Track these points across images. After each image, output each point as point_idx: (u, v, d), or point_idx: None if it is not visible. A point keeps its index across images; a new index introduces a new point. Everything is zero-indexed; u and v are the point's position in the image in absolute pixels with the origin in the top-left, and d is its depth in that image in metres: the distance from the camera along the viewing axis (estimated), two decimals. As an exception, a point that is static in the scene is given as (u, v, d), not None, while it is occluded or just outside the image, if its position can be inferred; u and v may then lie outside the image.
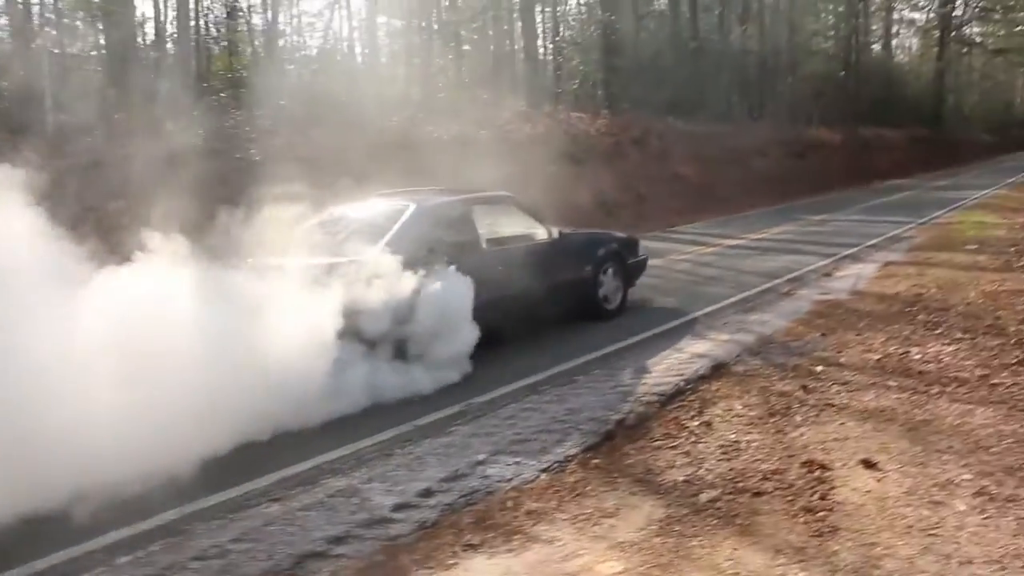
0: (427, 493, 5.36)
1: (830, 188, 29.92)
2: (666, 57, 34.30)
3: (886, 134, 46.41)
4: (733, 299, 10.89)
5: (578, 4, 39.67)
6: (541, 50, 34.93)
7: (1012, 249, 13.51)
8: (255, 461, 5.84)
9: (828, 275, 12.42)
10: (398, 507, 5.17)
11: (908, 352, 7.78)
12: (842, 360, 7.68)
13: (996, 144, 57.91)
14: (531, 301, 8.90)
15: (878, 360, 7.60)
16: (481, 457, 5.90)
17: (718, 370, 7.62)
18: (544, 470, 5.68)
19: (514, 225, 9.53)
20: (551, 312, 9.49)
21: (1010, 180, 30.55)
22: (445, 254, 8.01)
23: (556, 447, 6.04)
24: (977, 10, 59.52)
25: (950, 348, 7.79)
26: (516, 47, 34.57)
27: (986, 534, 4.37)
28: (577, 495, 5.30)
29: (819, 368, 7.47)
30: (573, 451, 5.97)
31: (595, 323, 9.73)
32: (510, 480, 5.54)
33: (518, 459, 5.86)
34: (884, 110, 48.38)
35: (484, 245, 8.77)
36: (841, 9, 48.42)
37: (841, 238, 16.51)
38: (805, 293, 11.05)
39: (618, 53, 31.30)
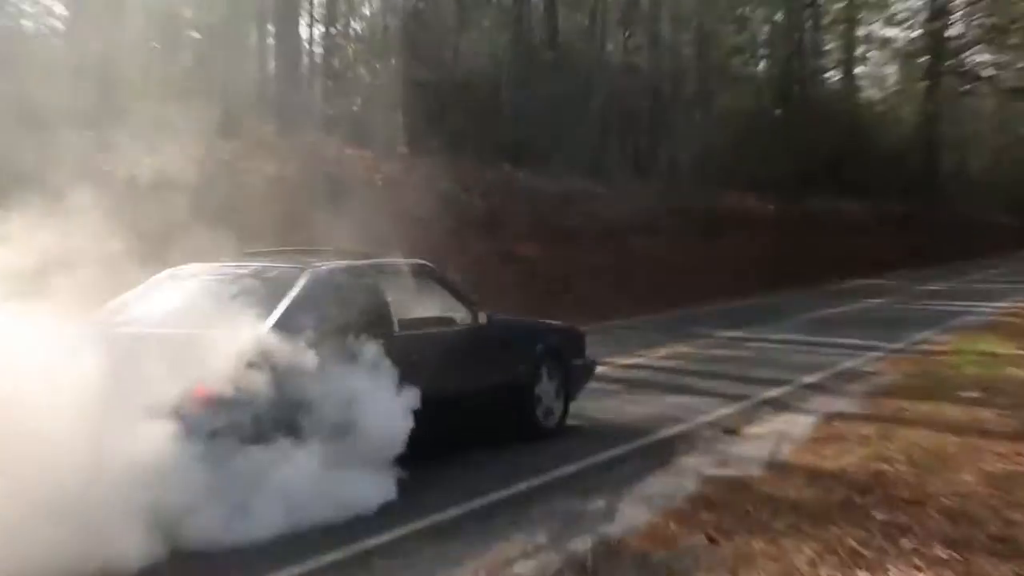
0: None
1: (755, 289, 30.60)
2: (503, 72, 34.55)
3: (847, 208, 48.68)
4: (566, 470, 10.78)
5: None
6: (308, 49, 34.52)
7: None
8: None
9: (733, 432, 12.56)
10: None
11: None
12: None
13: (1021, 228, 61.53)
14: (451, 409, 10.59)
15: None
16: None
17: None
18: None
19: (432, 303, 11.37)
20: (472, 426, 11.47)
21: None
22: (349, 337, 9.53)
23: None
24: (982, 29, 62.77)
25: None
26: (268, 40, 33.78)
27: None
28: None
29: None
30: None
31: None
32: None
33: None
34: (846, 171, 50.77)
35: (396, 328, 10.38)
36: (778, 17, 50.66)
37: (763, 370, 16.79)
38: (691, 464, 11.07)
39: (427, 62, 31.30)
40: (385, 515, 8.91)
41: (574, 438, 12.22)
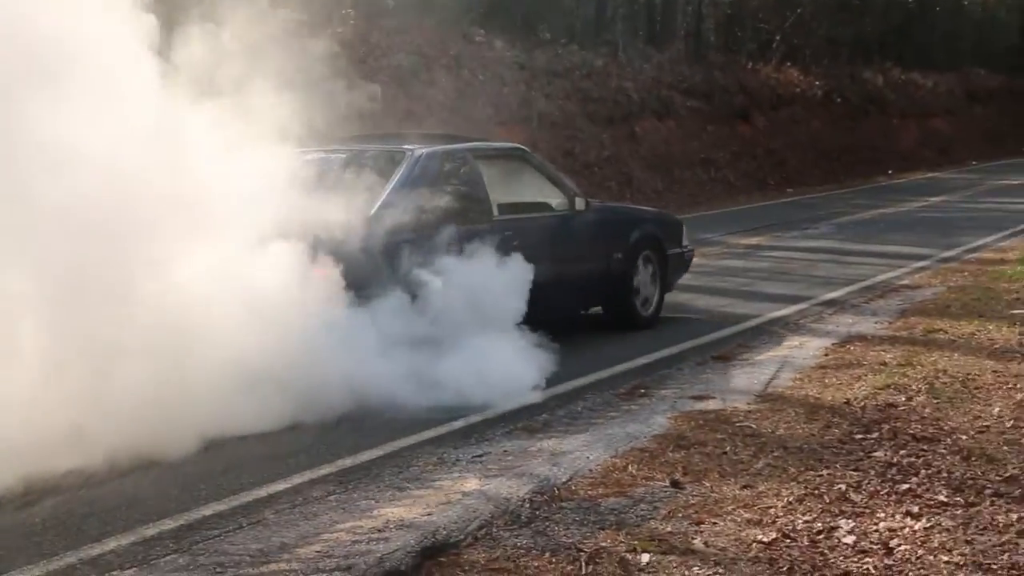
0: None
1: (790, 184, 30.77)
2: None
3: (918, 81, 48.67)
4: (509, 406, 11.21)
5: None
6: None
7: None
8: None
9: (724, 359, 12.89)
10: None
11: (834, 529, 7.76)
12: (696, 542, 7.69)
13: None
14: (549, 292, 12.69)
15: (768, 545, 7.61)
16: None
17: (430, 557, 7.48)
18: None
19: (530, 189, 14.01)
20: (569, 310, 14.17)
21: None
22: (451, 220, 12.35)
23: None
24: None
25: (919, 525, 7.78)
26: None
27: None
28: None
29: (645, 558, 7.45)
30: None
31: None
32: None
33: None
34: (918, 34, 50.74)
35: (496, 212, 13.05)
36: None
37: (778, 284, 17.21)
38: (667, 396, 11.36)
39: None
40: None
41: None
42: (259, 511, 8.49)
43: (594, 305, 14.33)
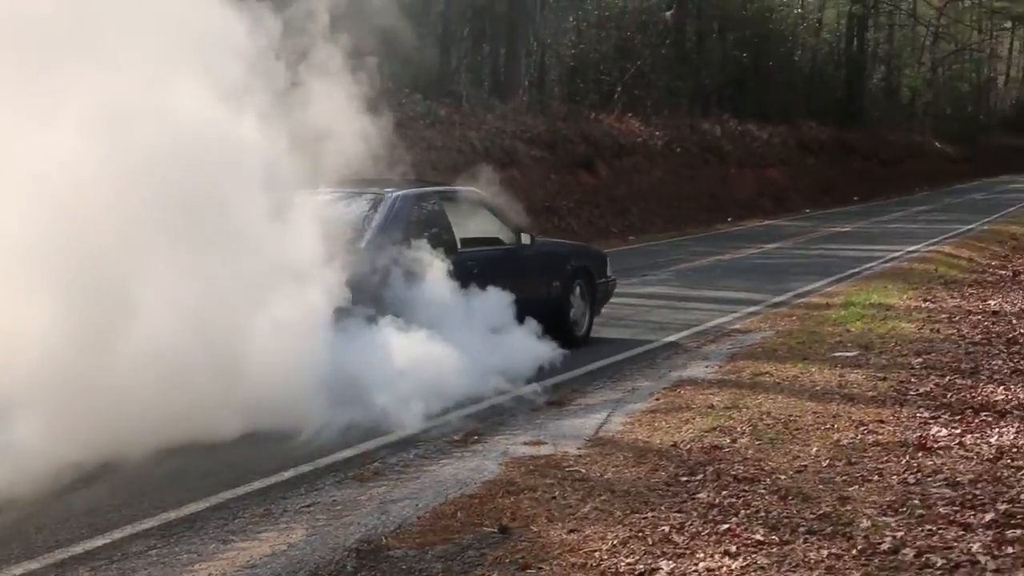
0: None
1: (628, 232, 31.05)
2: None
3: (754, 132, 49.53)
4: (343, 455, 11.24)
5: None
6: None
7: (916, 362, 14.48)
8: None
9: (558, 404, 13.01)
10: None
11: (656, 570, 7.82)
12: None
13: (960, 159, 63.23)
14: None
15: None
16: None
17: None
18: None
19: (484, 226, 16.23)
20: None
21: (970, 227, 33.02)
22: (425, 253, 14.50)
23: None
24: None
25: (736, 564, 7.86)
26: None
27: None
28: None
29: None
30: None
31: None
32: None
33: None
34: (754, 89, 51.58)
35: (459, 246, 15.24)
36: None
37: (613, 329, 17.55)
38: (500, 442, 11.47)
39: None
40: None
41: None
42: (74, 568, 8.29)
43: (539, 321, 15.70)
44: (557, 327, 15.78)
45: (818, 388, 13.32)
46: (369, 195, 15.04)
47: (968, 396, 12.89)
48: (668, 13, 48.20)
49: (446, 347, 13.57)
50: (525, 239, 16.32)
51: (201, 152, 13.03)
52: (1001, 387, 13.21)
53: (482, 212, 16.19)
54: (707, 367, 14.73)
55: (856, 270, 24.22)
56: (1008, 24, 75.03)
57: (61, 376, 11.42)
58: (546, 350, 14.93)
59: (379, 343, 13.63)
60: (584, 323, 17.03)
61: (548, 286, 16.43)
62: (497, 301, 15.11)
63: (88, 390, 11.44)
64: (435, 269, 14.23)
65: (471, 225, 15.97)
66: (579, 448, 11.05)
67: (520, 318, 15.03)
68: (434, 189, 16.34)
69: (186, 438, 11.65)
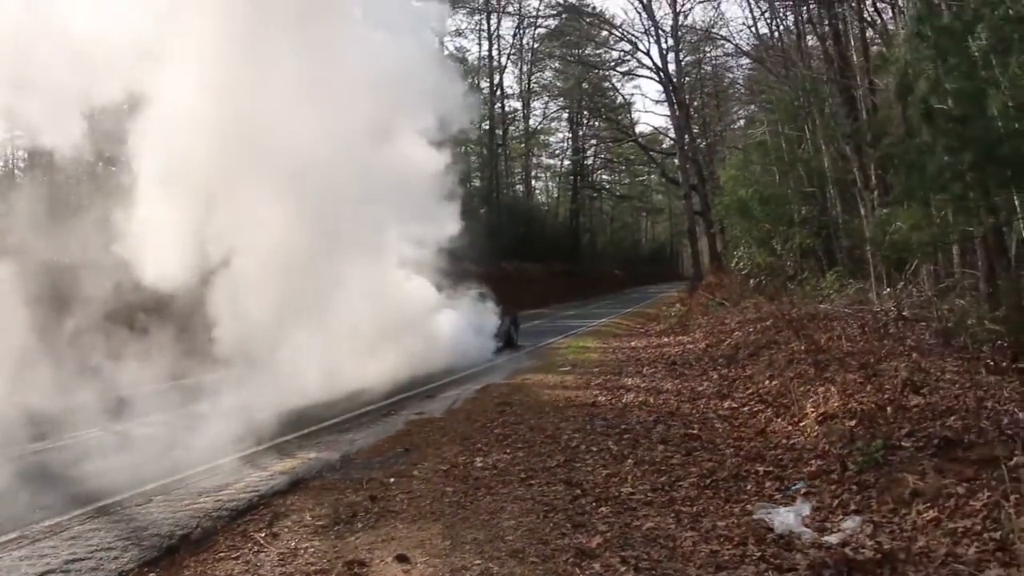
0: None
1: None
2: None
3: (527, 267, 50.15)
4: (331, 421, 11.37)
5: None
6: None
7: (596, 370, 15.17)
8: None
9: (431, 396, 13.31)
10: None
11: (474, 461, 8.65)
12: (415, 472, 8.38)
13: (626, 277, 64.62)
14: (506, 335, 20.39)
15: (446, 470, 8.38)
16: (28, 580, 5.95)
17: (296, 485, 8.07)
18: (94, 588, 5.81)
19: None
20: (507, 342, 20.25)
21: (628, 310, 33.80)
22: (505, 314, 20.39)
23: (111, 563, 6.17)
24: (603, 160, 67.24)
25: (509, 455, 8.78)
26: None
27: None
28: (125, 610, 5.48)
29: (391, 480, 8.12)
30: (129, 566, 6.14)
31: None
32: (55, 602, 5.63)
33: (69, 579, 5.95)
34: (527, 246, 52.37)
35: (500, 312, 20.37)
36: (484, 152, 52.57)
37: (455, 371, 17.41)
38: (404, 413, 11.80)
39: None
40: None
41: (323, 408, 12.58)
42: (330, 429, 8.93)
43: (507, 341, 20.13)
44: (509, 340, 20.27)
45: (550, 382, 13.85)
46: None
47: (615, 382, 13.51)
48: (482, 210, 48.80)
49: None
50: (500, 309, 20.33)
51: None
52: (629, 379, 13.79)
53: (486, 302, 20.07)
54: (500, 378, 14.97)
55: (573, 331, 24.35)
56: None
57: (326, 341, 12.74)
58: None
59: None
60: (516, 338, 20.97)
61: (506, 326, 20.37)
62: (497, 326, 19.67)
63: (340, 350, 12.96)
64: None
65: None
66: (440, 414, 11.55)
67: (501, 337, 19.71)
68: (481, 291, 20.46)
69: (401, 376, 13.94)
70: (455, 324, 17.73)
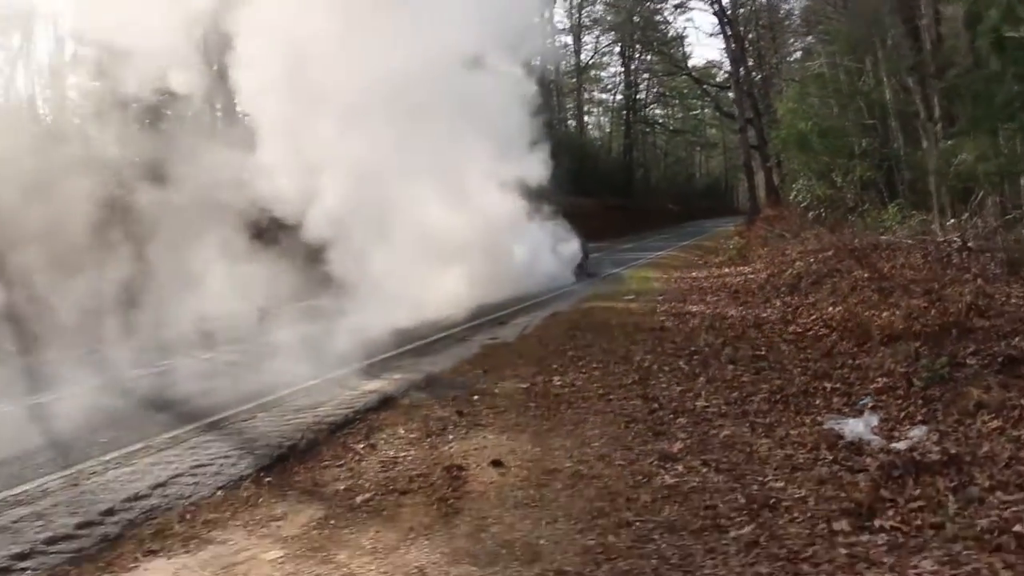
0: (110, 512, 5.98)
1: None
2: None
3: (584, 203, 50.27)
4: (411, 345, 11.91)
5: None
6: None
7: (660, 298, 15.55)
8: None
9: (502, 323, 13.77)
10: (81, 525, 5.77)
11: (551, 380, 9.14)
12: (496, 390, 8.89)
13: (680, 212, 64.39)
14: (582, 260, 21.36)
15: (526, 388, 8.87)
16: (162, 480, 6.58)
17: (386, 402, 8.63)
18: (220, 487, 6.42)
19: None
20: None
21: (684, 243, 34.06)
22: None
23: (231, 469, 6.79)
24: (656, 95, 66.65)
25: (585, 375, 9.25)
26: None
27: (571, 503, 5.63)
28: (250, 506, 6.08)
29: (475, 397, 8.63)
30: (247, 471, 6.74)
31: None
32: (188, 497, 6.24)
33: (196, 480, 6.56)
34: (582, 180, 52.39)
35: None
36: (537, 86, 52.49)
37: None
38: (478, 339, 12.31)
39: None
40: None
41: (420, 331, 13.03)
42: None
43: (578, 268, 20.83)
44: (582, 268, 20.97)
45: (617, 309, 14.26)
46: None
47: (680, 309, 13.87)
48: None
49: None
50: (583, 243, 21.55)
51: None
52: (694, 306, 14.11)
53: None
54: (568, 305, 15.41)
55: (632, 263, 24.65)
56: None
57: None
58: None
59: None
60: (588, 267, 21.49)
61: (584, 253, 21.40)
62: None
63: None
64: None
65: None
66: (513, 339, 12.05)
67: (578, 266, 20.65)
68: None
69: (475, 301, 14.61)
70: (539, 247, 18.98)
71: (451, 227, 14.51)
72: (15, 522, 5.90)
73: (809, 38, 38.01)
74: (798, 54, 44.82)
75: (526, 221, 18.71)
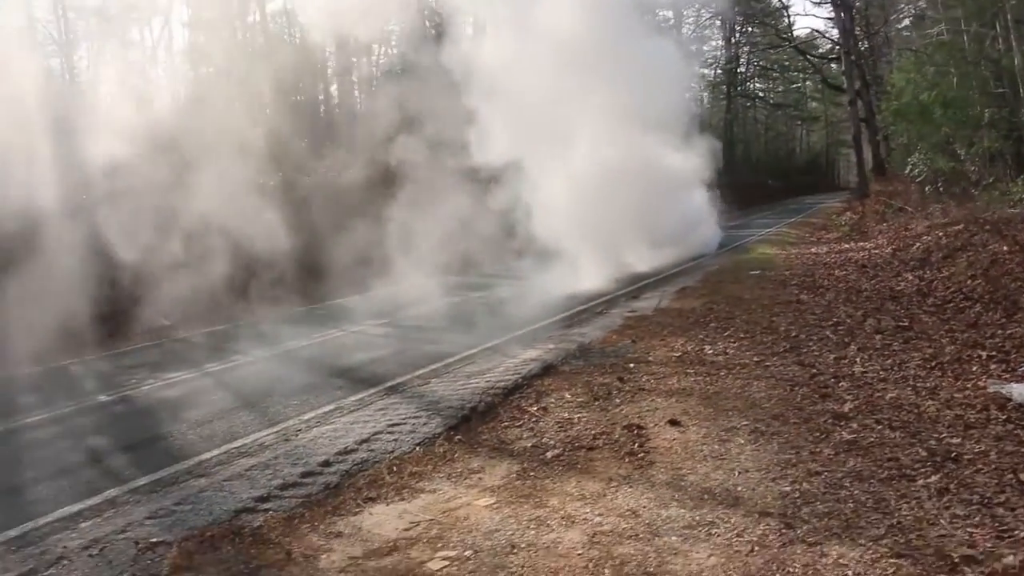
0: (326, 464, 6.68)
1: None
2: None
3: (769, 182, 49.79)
4: (555, 318, 12.44)
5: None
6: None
7: (786, 272, 15.71)
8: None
9: (635, 297, 14.15)
10: (305, 475, 6.47)
11: (703, 349, 9.55)
12: (650, 358, 9.34)
13: (781, 188, 63.58)
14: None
15: (678, 356, 9.31)
16: (364, 436, 7.26)
17: (548, 370, 9.16)
18: (418, 444, 7.07)
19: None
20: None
21: (791, 220, 33.72)
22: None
23: (423, 428, 7.44)
24: (757, 68, 65.76)
25: (735, 344, 9.63)
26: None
27: (757, 455, 6.10)
28: (448, 460, 6.69)
29: (631, 365, 9.11)
30: (438, 430, 7.38)
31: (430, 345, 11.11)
32: (392, 452, 6.90)
33: (395, 437, 7.23)
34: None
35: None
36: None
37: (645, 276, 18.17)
38: (616, 312, 12.75)
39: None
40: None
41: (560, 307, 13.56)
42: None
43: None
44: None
45: (746, 283, 14.49)
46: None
47: (809, 282, 13.96)
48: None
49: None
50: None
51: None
52: (823, 280, 14.14)
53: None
54: (695, 280, 15.62)
55: (745, 240, 24.44)
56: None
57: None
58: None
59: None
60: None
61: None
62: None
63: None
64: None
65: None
66: (651, 312, 12.37)
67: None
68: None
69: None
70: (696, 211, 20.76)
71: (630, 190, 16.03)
72: (247, 470, 6.64)
73: (920, 3, 37.09)
74: (907, 21, 43.82)
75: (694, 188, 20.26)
